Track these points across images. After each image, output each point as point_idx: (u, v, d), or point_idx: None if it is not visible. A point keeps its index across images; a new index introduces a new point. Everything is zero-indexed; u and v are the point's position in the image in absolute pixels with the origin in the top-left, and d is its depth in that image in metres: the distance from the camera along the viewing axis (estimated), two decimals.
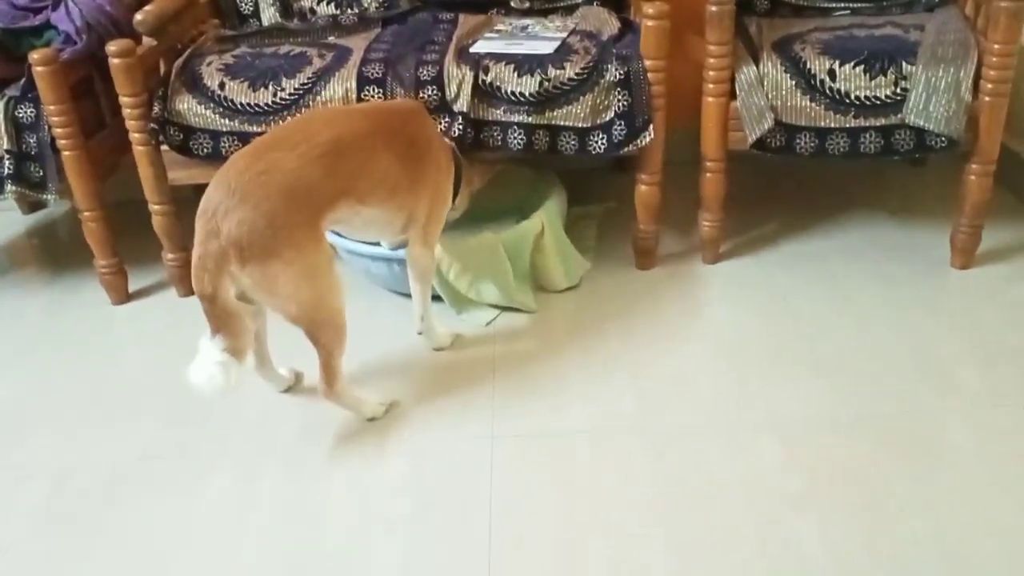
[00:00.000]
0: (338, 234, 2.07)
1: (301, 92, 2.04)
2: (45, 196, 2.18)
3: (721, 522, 1.57)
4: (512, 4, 2.40)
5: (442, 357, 2.04)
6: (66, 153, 2.13)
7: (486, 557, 1.53)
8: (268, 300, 1.67)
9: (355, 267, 2.24)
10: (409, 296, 2.04)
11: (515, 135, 2.07)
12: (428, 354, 2.05)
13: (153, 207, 2.21)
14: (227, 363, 1.62)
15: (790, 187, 2.68)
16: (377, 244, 2.12)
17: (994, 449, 1.69)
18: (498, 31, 2.25)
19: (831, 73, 2.03)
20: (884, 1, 2.32)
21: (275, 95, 2.05)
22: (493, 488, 1.67)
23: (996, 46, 1.95)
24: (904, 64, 2.01)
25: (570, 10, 2.39)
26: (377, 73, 2.05)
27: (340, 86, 2.04)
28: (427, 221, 1.90)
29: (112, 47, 2.00)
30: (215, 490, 1.73)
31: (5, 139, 2.11)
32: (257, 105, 2.05)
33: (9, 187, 2.14)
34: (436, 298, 2.10)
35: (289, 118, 2.04)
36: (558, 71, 2.03)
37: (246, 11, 2.45)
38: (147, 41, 2.13)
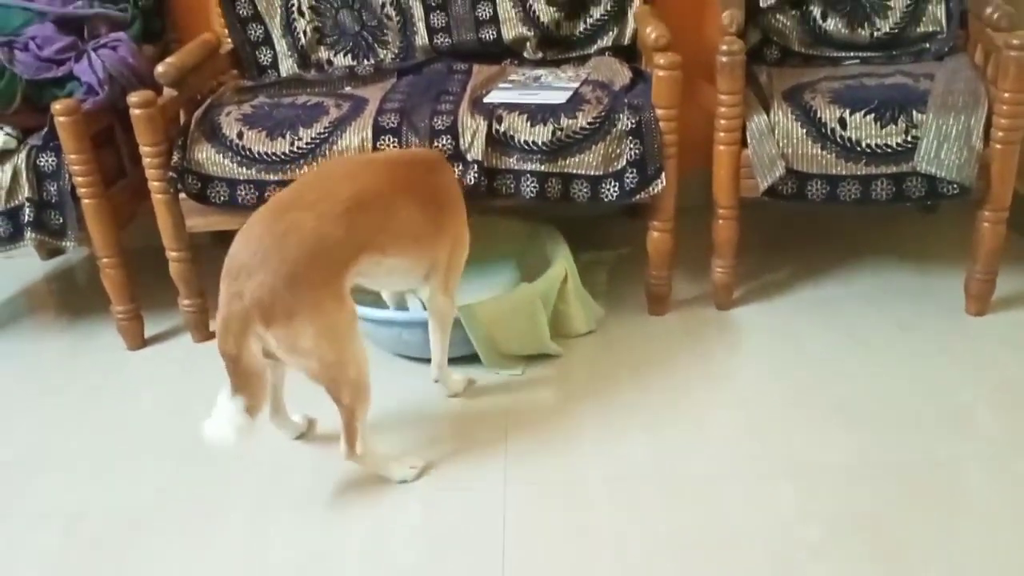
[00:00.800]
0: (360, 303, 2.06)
1: (318, 142, 2.08)
2: (64, 243, 2.21)
3: (738, 569, 1.55)
4: (525, 55, 2.44)
5: (455, 404, 2.03)
6: (86, 201, 2.16)
7: None
8: (291, 359, 1.66)
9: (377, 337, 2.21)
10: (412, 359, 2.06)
11: (528, 183, 2.09)
12: (440, 402, 2.05)
13: (171, 254, 2.24)
14: (243, 426, 1.63)
15: (803, 233, 2.69)
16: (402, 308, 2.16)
17: (1014, 495, 1.67)
18: (512, 81, 2.28)
19: (842, 122, 2.05)
20: (894, 50, 2.35)
21: (292, 144, 2.08)
22: (506, 537, 1.66)
23: (1006, 94, 1.97)
24: (915, 112, 2.03)
25: (582, 60, 2.43)
26: (392, 123, 2.09)
27: (356, 136, 2.08)
28: (448, 269, 1.91)
29: (133, 98, 2.04)
30: (227, 535, 1.72)
31: (26, 187, 2.15)
32: (274, 154, 2.09)
33: (29, 234, 2.17)
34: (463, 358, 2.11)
35: (308, 169, 2.07)
36: (570, 120, 2.06)
37: (264, 63, 2.50)
38: (167, 92, 2.18)
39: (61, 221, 2.18)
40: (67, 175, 2.14)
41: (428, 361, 2.11)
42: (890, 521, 1.63)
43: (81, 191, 2.15)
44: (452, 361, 2.06)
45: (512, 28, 2.42)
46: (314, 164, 2.08)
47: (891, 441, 1.83)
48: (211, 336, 2.39)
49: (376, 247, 1.73)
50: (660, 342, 2.21)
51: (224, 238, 2.77)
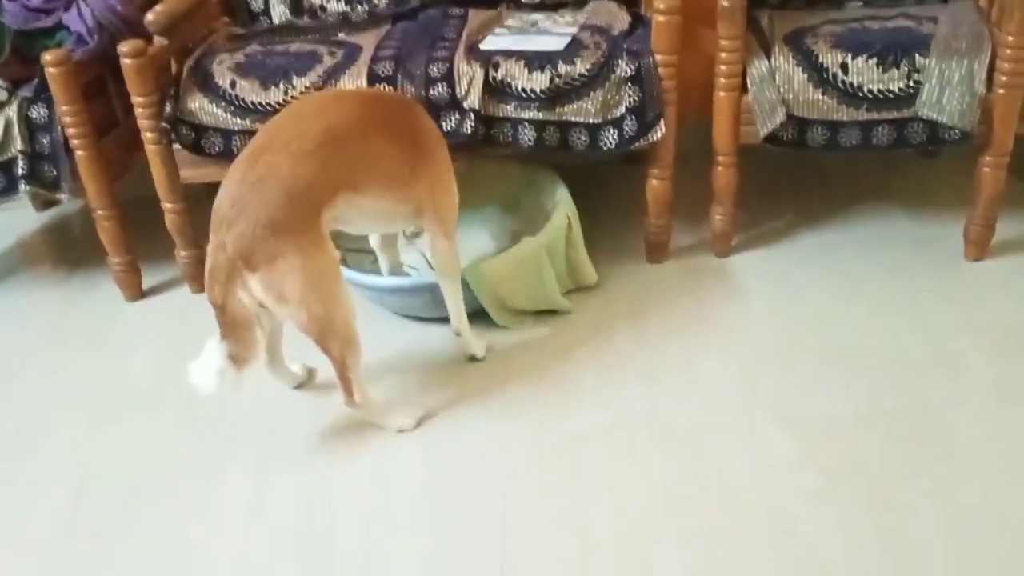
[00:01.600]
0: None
1: (312, 91, 2.04)
2: (59, 195, 2.20)
3: (734, 519, 1.57)
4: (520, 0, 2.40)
5: (451, 358, 2.03)
6: (79, 153, 2.14)
7: (500, 556, 1.54)
8: (278, 308, 1.67)
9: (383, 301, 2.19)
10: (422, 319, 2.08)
11: (525, 132, 2.07)
12: (438, 354, 2.04)
13: (166, 205, 2.23)
14: (225, 371, 1.66)
15: (802, 179, 2.67)
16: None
17: (1008, 442, 1.69)
18: (508, 27, 2.24)
19: (843, 66, 2.02)
20: None
21: (286, 93, 2.05)
22: (506, 486, 1.68)
23: (1010, 38, 1.93)
24: (917, 57, 2.00)
25: (580, 4, 2.38)
26: (387, 71, 2.05)
27: (351, 84, 2.05)
28: (437, 211, 1.86)
29: (124, 47, 2.01)
30: (230, 489, 1.74)
31: (19, 139, 2.12)
32: (268, 104, 2.06)
33: (23, 187, 2.15)
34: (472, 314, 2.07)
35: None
36: (569, 67, 2.03)
37: (256, 9, 2.45)
38: (158, 40, 2.14)
39: (55, 173, 2.16)
40: (59, 127, 2.11)
41: (428, 320, 2.11)
42: (885, 468, 1.65)
43: (74, 143, 2.13)
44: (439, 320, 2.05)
45: None
46: (290, 103, 2.04)
47: (887, 388, 1.84)
48: None
49: (349, 185, 1.71)
50: (658, 290, 2.21)
51: (217, 188, 2.77)
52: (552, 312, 2.14)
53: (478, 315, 2.06)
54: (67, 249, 2.75)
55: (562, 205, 2.17)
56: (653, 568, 1.49)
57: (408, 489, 1.70)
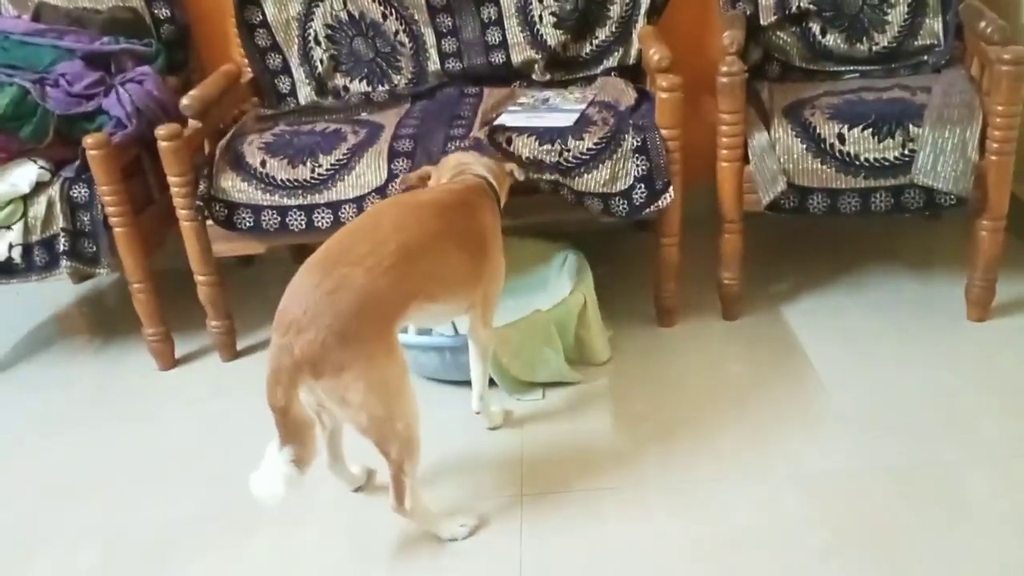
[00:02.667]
0: None
1: (337, 168, 2.17)
2: (98, 271, 2.31)
3: (746, 574, 1.62)
4: (534, 77, 2.52)
5: (470, 420, 2.09)
6: (118, 230, 2.26)
7: None
8: (340, 411, 1.66)
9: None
10: (439, 381, 2.14)
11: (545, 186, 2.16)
12: (456, 418, 2.10)
13: (199, 278, 2.34)
14: (291, 477, 1.61)
15: (807, 244, 2.75)
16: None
17: (1017, 500, 1.73)
18: (521, 104, 2.36)
19: (840, 137, 2.12)
20: (892, 64, 2.41)
21: (313, 171, 2.17)
22: (523, 546, 1.74)
23: (1000, 107, 2.03)
24: (911, 126, 2.09)
25: (589, 81, 2.51)
26: (407, 147, 2.17)
27: (372, 161, 2.17)
28: (486, 303, 1.91)
29: (161, 131, 2.14)
30: (258, 554, 1.80)
31: (61, 218, 2.25)
32: (296, 180, 2.18)
33: (65, 263, 2.27)
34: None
35: (338, 211, 2.17)
36: (577, 142, 2.14)
37: (283, 91, 2.59)
38: (192, 123, 2.27)
39: (94, 249, 2.28)
40: (99, 205, 2.24)
41: (444, 382, 2.19)
42: (894, 526, 1.69)
43: (113, 220, 2.25)
44: (467, 384, 2.08)
45: (520, 51, 2.51)
46: (333, 189, 2.17)
47: (894, 447, 1.89)
48: (238, 355, 2.49)
49: (425, 296, 1.73)
50: (669, 354, 2.28)
51: (249, 261, 2.88)
52: (561, 383, 2.19)
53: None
54: (102, 320, 2.86)
55: (582, 285, 2.24)
56: None
57: (428, 564, 1.74)
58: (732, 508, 1.77)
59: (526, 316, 2.14)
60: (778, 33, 2.45)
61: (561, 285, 2.35)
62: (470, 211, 1.87)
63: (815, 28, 2.44)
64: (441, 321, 2.07)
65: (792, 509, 1.75)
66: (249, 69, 2.59)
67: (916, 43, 2.39)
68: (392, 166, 2.16)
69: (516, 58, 2.51)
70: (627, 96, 2.32)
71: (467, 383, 2.04)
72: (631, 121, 2.18)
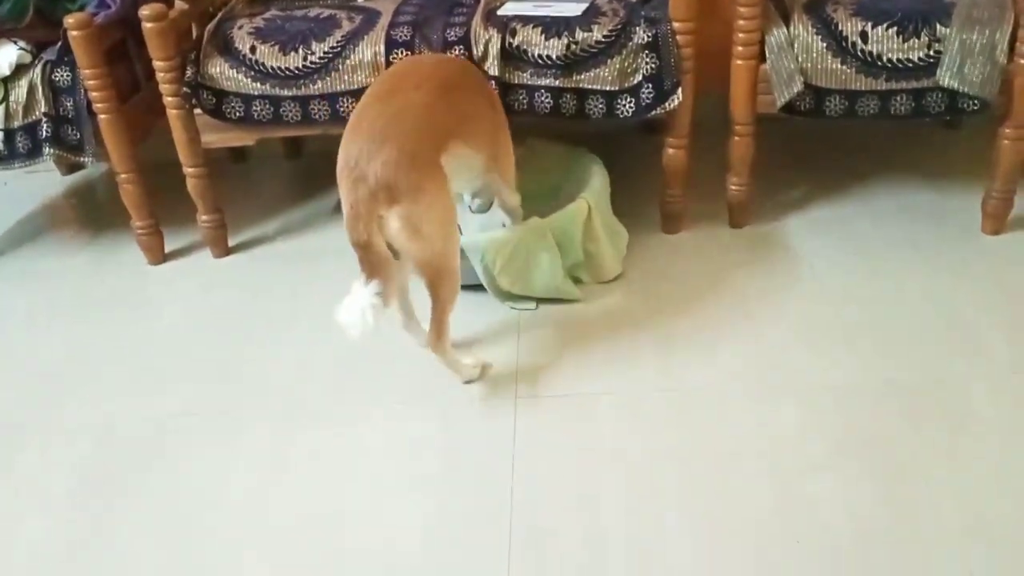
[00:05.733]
0: None
1: (331, 56, 2.06)
2: (82, 159, 2.23)
3: (740, 484, 1.59)
4: None
5: (469, 322, 2.04)
6: (102, 117, 2.17)
7: (508, 514, 1.57)
8: (410, 243, 1.66)
9: None
10: None
11: (542, 98, 2.07)
12: (455, 319, 2.05)
13: (187, 170, 2.26)
14: (377, 307, 1.62)
15: (818, 151, 2.66)
16: None
17: (1018, 415, 1.69)
18: None
19: (863, 35, 2.01)
20: None
21: (305, 59, 2.07)
22: (516, 448, 1.71)
23: None
24: (938, 26, 1.98)
25: None
26: (405, 36, 2.06)
27: (369, 49, 2.06)
28: (506, 167, 1.96)
29: (145, 11, 2.03)
30: (250, 447, 1.78)
31: (43, 102, 2.16)
32: (287, 69, 2.08)
33: (47, 150, 2.19)
34: (478, 287, 2.07)
35: (322, 83, 2.08)
36: (585, 34, 2.03)
37: None
38: (179, 4, 2.16)
39: (78, 136, 2.20)
40: (83, 90, 2.14)
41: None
42: (892, 440, 1.66)
43: (97, 106, 2.16)
44: (463, 288, 1.98)
45: None
46: (328, 79, 2.07)
47: (899, 361, 1.85)
48: (229, 252, 2.43)
49: (460, 135, 1.77)
50: (673, 260, 2.22)
51: (239, 153, 2.81)
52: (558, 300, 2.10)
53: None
54: (91, 212, 2.80)
55: (588, 194, 2.10)
56: (657, 528, 1.52)
57: (420, 449, 1.73)
58: (728, 417, 1.74)
59: (524, 224, 2.05)
60: None
61: (576, 189, 2.21)
62: (479, 72, 2.00)
63: None
64: (467, 177, 1.94)
65: (790, 421, 1.72)
66: None
67: None
68: (390, 56, 2.06)
69: None
70: None
71: (468, 287, 1.98)
72: (642, 13, 2.07)
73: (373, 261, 1.63)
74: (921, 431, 1.67)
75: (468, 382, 1.87)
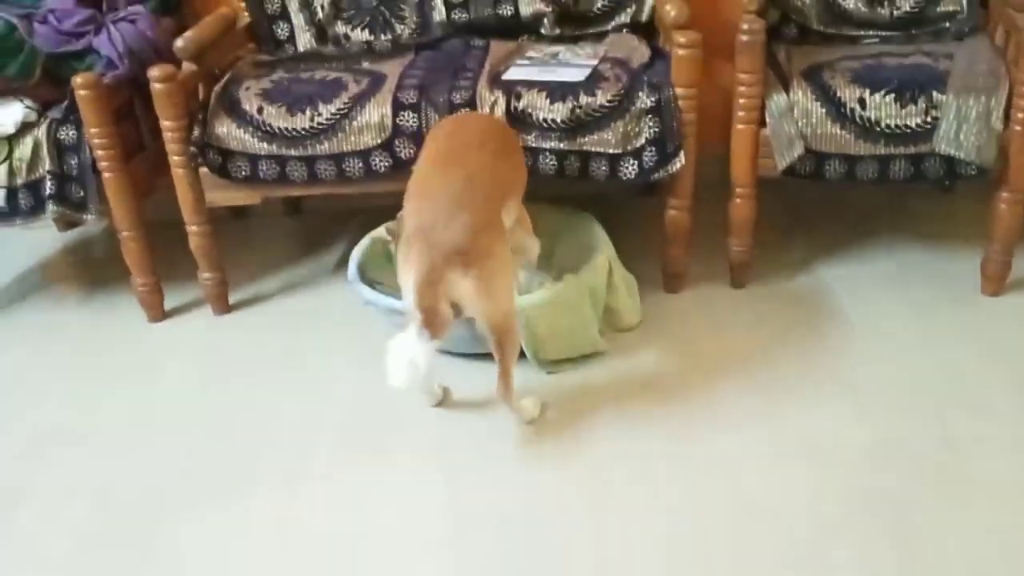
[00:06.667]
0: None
1: (338, 117, 2.08)
2: (85, 216, 2.23)
3: (755, 546, 1.58)
4: (542, 31, 2.43)
5: (474, 380, 2.03)
6: (107, 175, 2.17)
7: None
8: (484, 304, 1.71)
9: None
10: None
11: (546, 160, 2.10)
12: (458, 379, 2.04)
13: (191, 228, 2.26)
14: (430, 360, 1.68)
15: (818, 211, 2.69)
16: None
17: None
18: (530, 58, 2.28)
19: (861, 101, 2.05)
20: (913, 30, 2.33)
21: (312, 120, 2.09)
22: (528, 509, 1.69)
23: None
24: (935, 93, 2.02)
25: (599, 37, 2.42)
26: (412, 99, 2.09)
27: (376, 111, 2.08)
28: (524, 213, 1.99)
29: (155, 72, 2.05)
30: (253, 507, 1.75)
31: (47, 160, 2.16)
32: (294, 129, 2.09)
33: (51, 207, 2.18)
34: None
35: (328, 144, 2.11)
36: (589, 98, 2.06)
37: (282, 36, 2.49)
38: (186, 66, 2.18)
39: (82, 194, 2.19)
40: (87, 148, 2.15)
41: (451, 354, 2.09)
42: (904, 499, 1.65)
43: (102, 164, 2.16)
44: (477, 357, 2.03)
45: (530, 4, 2.41)
46: (334, 139, 2.09)
47: (905, 420, 1.85)
48: (230, 309, 2.41)
49: (512, 193, 1.86)
50: (676, 320, 2.23)
51: (240, 210, 2.80)
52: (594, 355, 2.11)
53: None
54: (89, 269, 2.78)
55: (603, 247, 2.14)
56: None
57: (433, 516, 1.70)
58: (741, 478, 1.73)
59: (561, 283, 2.02)
60: None
61: (574, 250, 2.22)
62: (506, 127, 2.03)
63: None
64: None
65: (801, 481, 1.71)
66: (246, 13, 2.48)
67: (938, 9, 2.32)
68: (397, 119, 2.08)
69: (525, 10, 2.42)
70: (640, 53, 2.24)
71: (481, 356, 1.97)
72: (645, 79, 2.10)
73: (439, 322, 1.67)
74: (931, 491, 1.67)
75: (530, 423, 1.89)
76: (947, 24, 2.32)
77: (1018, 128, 2.00)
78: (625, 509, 1.68)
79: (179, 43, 2.13)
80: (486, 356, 1.98)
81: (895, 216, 2.64)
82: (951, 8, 2.31)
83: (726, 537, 1.60)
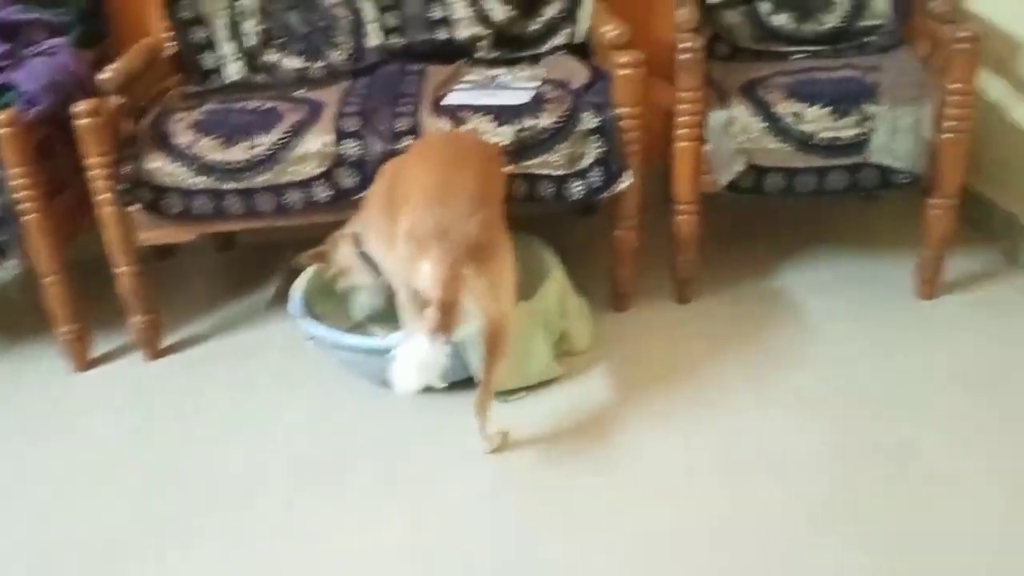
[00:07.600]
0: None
1: (279, 147, 2.02)
2: (6, 263, 2.08)
3: (735, 562, 1.57)
4: (479, 54, 2.41)
5: (441, 412, 1.98)
6: (29, 216, 2.04)
7: None
8: (489, 302, 1.72)
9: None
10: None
11: None
12: (423, 409, 1.99)
13: (121, 269, 2.14)
14: (440, 361, 1.66)
15: (756, 226, 2.73)
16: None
17: (976, 468, 1.74)
18: (470, 82, 2.26)
19: (797, 115, 2.09)
20: (839, 44, 2.40)
21: (250, 150, 2.02)
22: (492, 540, 1.65)
23: (955, 86, 2.03)
24: (867, 105, 2.08)
25: (535, 59, 2.42)
26: (354, 127, 2.04)
27: (317, 140, 2.02)
28: None
29: (81, 107, 1.95)
30: (198, 561, 1.66)
31: None
32: (231, 162, 2.02)
33: None
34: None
35: (265, 177, 2.03)
36: (534, 121, 2.05)
37: (209, 66, 2.40)
38: (112, 99, 2.07)
39: (5, 238, 2.06)
40: (8, 191, 2.02)
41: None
42: (870, 506, 1.67)
43: (23, 206, 2.03)
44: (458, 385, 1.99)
45: (466, 27, 2.39)
46: (273, 170, 2.02)
47: (859, 424, 1.88)
48: (164, 353, 2.30)
49: (501, 199, 1.90)
50: (624, 338, 2.22)
51: (166, 253, 2.67)
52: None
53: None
54: (3, 318, 2.61)
55: (555, 272, 2.13)
56: None
57: (397, 551, 1.65)
58: (707, 495, 1.72)
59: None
60: (726, 12, 2.41)
61: (528, 277, 2.14)
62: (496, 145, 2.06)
63: (763, 8, 2.41)
64: None
65: (767, 493, 1.72)
66: (170, 43, 2.39)
67: (862, 23, 2.39)
68: (340, 147, 2.02)
69: (461, 34, 2.40)
70: (579, 74, 2.24)
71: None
72: (587, 99, 2.10)
73: (453, 320, 1.67)
74: (889, 492, 1.70)
75: (493, 452, 1.85)
76: (873, 37, 2.39)
77: (949, 135, 2.08)
78: (588, 533, 1.66)
79: (106, 75, 2.04)
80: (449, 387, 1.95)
81: (826, 227, 2.69)
82: (875, 22, 2.39)
83: (694, 554, 1.59)
